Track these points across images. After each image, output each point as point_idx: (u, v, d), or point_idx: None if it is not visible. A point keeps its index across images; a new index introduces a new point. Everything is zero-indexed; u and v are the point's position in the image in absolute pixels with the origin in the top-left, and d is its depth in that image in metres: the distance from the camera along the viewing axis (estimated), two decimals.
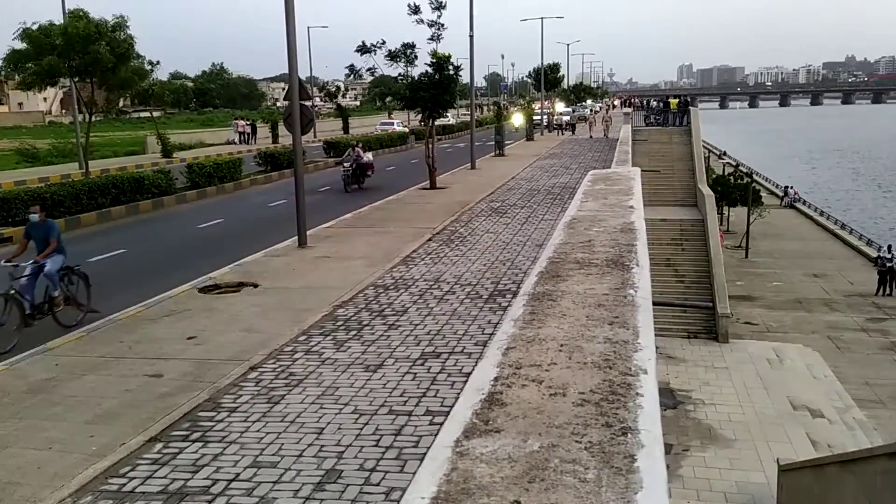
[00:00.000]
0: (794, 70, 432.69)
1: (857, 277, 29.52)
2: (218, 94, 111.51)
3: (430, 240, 16.27)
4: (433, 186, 25.26)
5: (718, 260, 24.21)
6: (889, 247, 32.14)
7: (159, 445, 6.89)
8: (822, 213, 44.64)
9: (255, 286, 12.82)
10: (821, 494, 10.08)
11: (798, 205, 47.76)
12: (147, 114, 60.39)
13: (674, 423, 16.71)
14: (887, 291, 27.36)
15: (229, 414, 7.50)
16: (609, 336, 2.75)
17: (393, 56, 24.20)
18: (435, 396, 7.66)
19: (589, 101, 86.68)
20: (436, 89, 24.27)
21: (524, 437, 1.95)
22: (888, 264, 29.08)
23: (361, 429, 7.01)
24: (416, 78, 24.64)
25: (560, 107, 72.49)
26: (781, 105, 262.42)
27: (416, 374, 8.30)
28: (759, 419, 16.80)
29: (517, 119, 52.43)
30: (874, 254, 32.20)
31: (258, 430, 7.08)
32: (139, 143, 44.31)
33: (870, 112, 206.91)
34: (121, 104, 59.20)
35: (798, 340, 22.59)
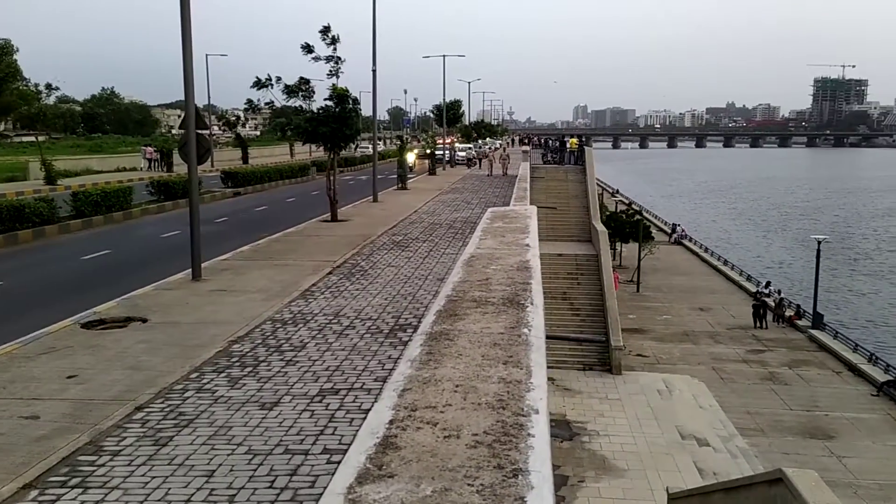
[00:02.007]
0: (680, 114, 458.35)
1: (738, 311, 31.24)
2: (108, 119, 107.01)
3: (330, 273, 16.09)
4: (334, 219, 25.06)
5: (612, 294, 25.10)
6: (767, 283, 34.33)
7: (34, 493, 6.43)
8: (706, 250, 47.14)
9: (144, 321, 12.27)
10: None
11: (685, 241, 50.26)
12: (32, 138, 57.20)
13: (570, 454, 17.03)
14: (761, 325, 29.07)
15: (112, 458, 7.09)
16: (503, 376, 2.80)
17: (290, 91, 24.02)
18: (333, 434, 7.52)
19: (488, 139, 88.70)
20: (336, 123, 24.21)
21: (417, 481, 1.95)
22: (763, 299, 31.01)
23: (255, 470, 6.78)
24: (316, 112, 24.52)
25: (460, 144, 73.91)
26: (669, 146, 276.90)
27: (313, 411, 8.13)
28: (650, 449, 17.36)
29: (410, 157, 52.81)
30: (753, 288, 34.23)
31: (143, 475, 6.72)
32: (20, 169, 41.84)
33: (748, 155, 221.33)
34: (1, 128, 55.79)
35: (685, 371, 23.61)
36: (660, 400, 21.01)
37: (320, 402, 8.39)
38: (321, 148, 27.25)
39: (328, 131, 24.30)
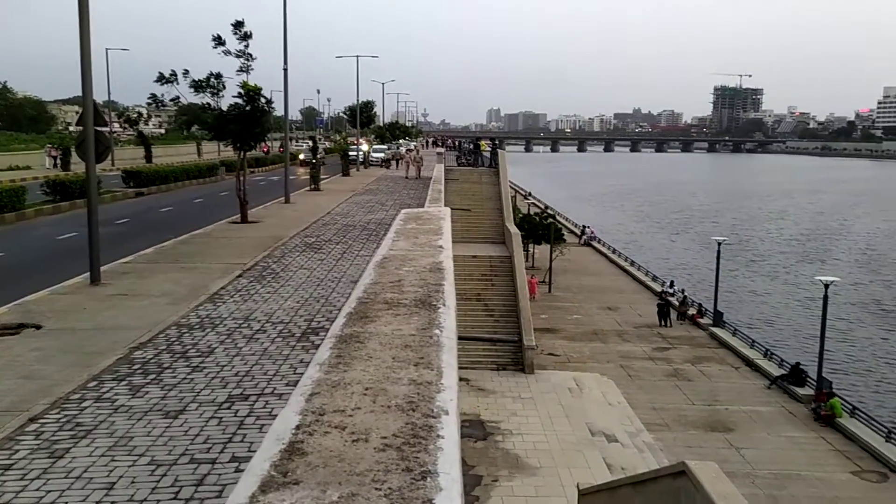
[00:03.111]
0: (589, 119, 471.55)
1: (644, 310, 32.35)
2: (0, 115, 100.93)
3: (240, 276, 15.68)
4: (244, 220, 24.46)
5: (524, 294, 25.51)
6: (671, 283, 35.70)
7: None
8: (614, 251, 48.62)
9: (38, 328, 11.62)
10: None
11: (594, 243, 51.69)
12: None
13: (484, 454, 17.19)
14: (666, 323, 30.21)
15: (3, 472, 6.67)
16: (414, 377, 2.77)
17: (198, 86, 23.30)
18: (242, 441, 7.32)
19: (402, 141, 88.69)
20: (246, 121, 23.65)
21: (324, 487, 1.90)
22: (667, 298, 32.24)
23: (158, 481, 6.51)
24: (226, 109, 23.88)
25: (375, 144, 73.53)
26: (579, 150, 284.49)
27: (221, 418, 7.89)
28: (561, 446, 17.74)
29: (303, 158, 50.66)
30: (659, 288, 35.53)
31: (37, 489, 6.35)
32: None
33: (653, 159, 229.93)
34: None
35: (595, 369, 24.26)
36: (571, 398, 21.50)
37: (229, 408, 8.16)
38: (230, 147, 26.56)
39: (238, 129, 23.71)
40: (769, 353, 25.72)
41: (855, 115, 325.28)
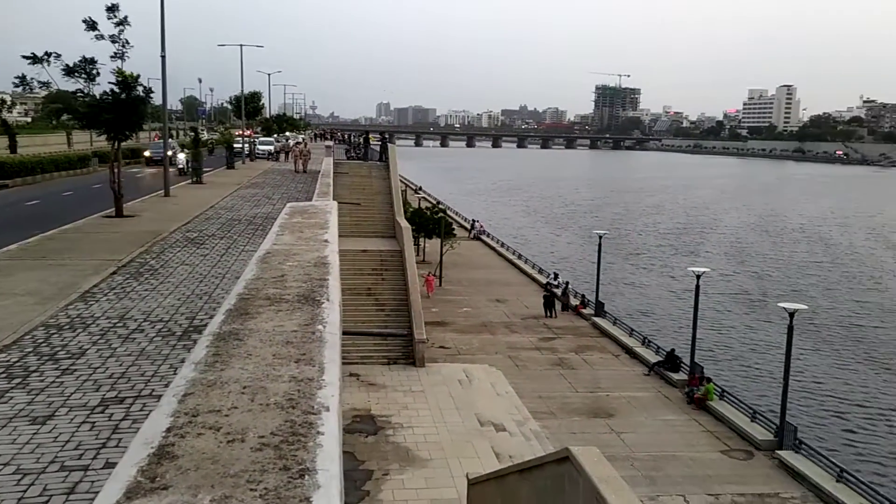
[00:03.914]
0: (478, 114, 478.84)
1: (531, 302, 33.21)
2: None
3: (114, 273, 14.89)
4: (119, 214, 23.25)
5: (415, 289, 25.61)
6: (556, 275, 36.84)
7: None
8: (502, 245, 49.62)
9: None
10: (503, 502, 11.02)
11: (483, 237, 52.56)
12: None
13: (375, 448, 17.16)
14: (551, 314, 31.16)
15: None
16: (295, 374, 2.72)
17: (70, 71, 21.95)
18: (117, 447, 6.97)
19: (288, 133, 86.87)
20: (121, 110, 22.48)
21: (195, 491, 1.83)
22: (552, 290, 33.26)
23: (25, 491, 6.11)
24: (99, 97, 22.60)
25: (262, 136, 71.62)
26: (468, 145, 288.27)
27: (94, 423, 7.48)
28: (451, 438, 17.96)
29: (180, 156, 43.89)
30: (544, 280, 36.56)
31: None
32: None
33: (539, 155, 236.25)
34: None
35: (484, 361, 24.69)
36: (460, 389, 21.80)
37: (102, 412, 7.75)
38: (104, 137, 25.18)
39: (112, 118, 22.50)
40: (647, 341, 27.01)
41: (723, 115, 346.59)
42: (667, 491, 15.99)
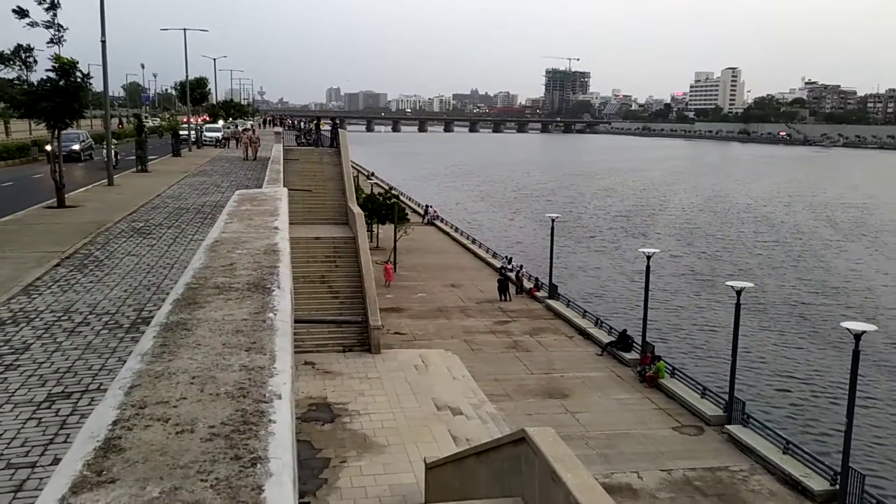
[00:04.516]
0: (429, 99, 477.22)
1: (485, 286, 33.39)
2: None
3: (58, 265, 14.47)
4: (62, 205, 22.58)
5: (370, 275, 25.51)
6: (510, 258, 37.08)
7: None
8: (456, 230, 49.72)
9: None
10: (461, 485, 11.13)
11: (437, 222, 52.56)
12: None
13: (332, 436, 17.11)
14: (506, 298, 31.41)
15: None
16: (245, 363, 2.68)
17: (5, 59, 21.17)
18: (65, 442, 6.79)
19: (239, 120, 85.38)
20: (60, 97, 21.77)
21: (143, 484, 1.79)
22: (506, 273, 33.50)
23: None
24: (37, 84, 21.86)
25: (210, 124, 70.20)
26: (421, 130, 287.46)
27: (40, 419, 7.28)
28: (408, 423, 18.01)
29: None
30: (498, 265, 36.78)
31: None
32: None
33: (491, 139, 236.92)
34: None
35: (440, 345, 24.77)
36: (417, 375, 21.85)
37: (49, 408, 7.55)
38: (44, 126, 24.37)
39: (51, 106, 21.78)
40: (600, 322, 27.43)
41: (671, 98, 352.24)
42: (621, 468, 16.32)
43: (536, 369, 23.01)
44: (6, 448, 6.67)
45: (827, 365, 26.42)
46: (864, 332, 14.88)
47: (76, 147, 40.97)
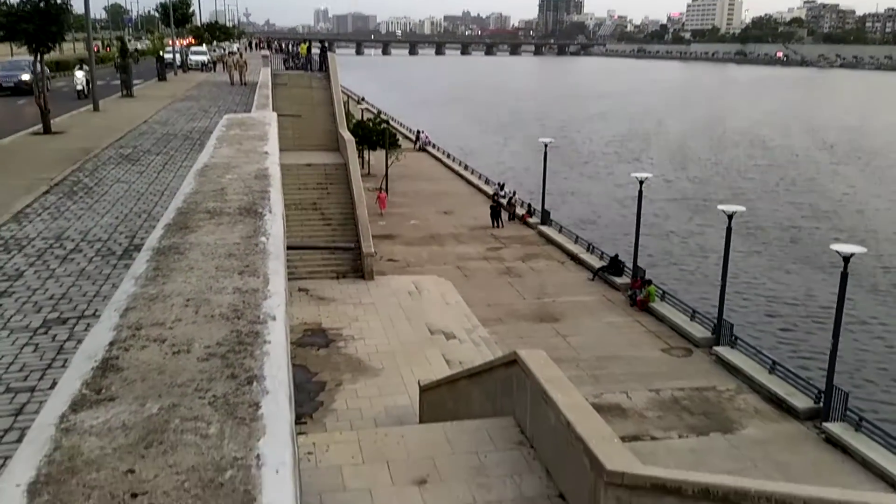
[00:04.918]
0: (420, 21, 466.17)
1: (478, 213, 33.39)
2: None
3: (47, 192, 14.35)
4: (48, 131, 22.23)
5: (362, 202, 25.43)
6: (502, 185, 36.94)
7: None
8: (449, 156, 49.33)
9: None
10: (454, 405, 11.40)
11: (429, 148, 52.09)
12: None
13: (327, 361, 17.39)
14: (498, 224, 31.47)
15: None
16: (239, 286, 2.69)
17: None
18: (63, 367, 6.88)
19: (226, 43, 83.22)
20: (42, 19, 21.14)
21: (142, 401, 1.82)
22: (499, 200, 33.45)
23: None
24: (17, 6, 21.19)
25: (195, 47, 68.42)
26: (411, 53, 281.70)
27: (37, 344, 7.36)
28: (402, 347, 18.30)
29: (78, 77, 34.49)
30: (491, 191, 36.69)
31: None
32: None
33: (483, 62, 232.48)
34: None
35: (433, 272, 24.95)
36: (410, 301, 22.07)
37: (45, 333, 7.62)
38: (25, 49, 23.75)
39: (32, 29, 21.17)
40: (591, 247, 27.59)
41: (667, 18, 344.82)
42: (610, 389, 16.72)
43: (528, 294, 23.26)
44: (5, 373, 6.76)
45: (816, 288, 26.79)
46: (852, 254, 15.03)
47: (26, 77, 32.98)
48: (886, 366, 20.65)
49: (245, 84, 39.56)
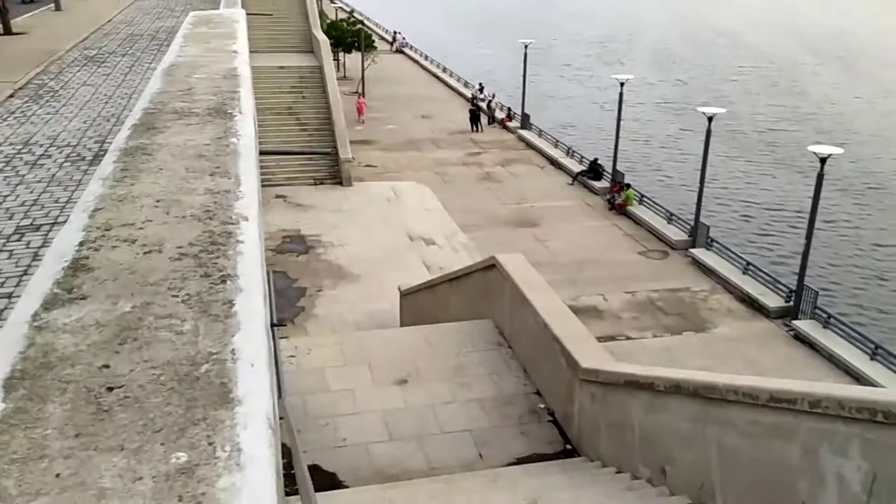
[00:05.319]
0: None
1: (457, 117, 32.90)
2: None
3: (11, 96, 13.89)
4: (7, 32, 21.30)
5: (338, 107, 24.91)
6: (481, 86, 36.22)
7: None
8: (426, 58, 48.11)
9: None
10: (434, 309, 11.57)
11: (406, 50, 50.71)
12: None
13: (305, 267, 17.47)
14: (478, 129, 31.09)
15: None
16: (210, 187, 2.65)
17: None
18: None
19: None
20: None
21: (114, 300, 1.81)
22: (478, 104, 32.92)
23: None
24: None
25: None
26: None
27: (12, 251, 7.29)
28: (382, 253, 18.38)
29: None
30: (470, 94, 36.04)
31: None
32: None
33: None
34: None
35: (412, 178, 24.78)
36: (389, 207, 22.02)
37: (19, 240, 7.53)
38: None
39: None
40: (571, 151, 27.45)
41: None
42: (587, 291, 17.00)
43: (508, 199, 23.26)
44: None
45: (793, 191, 27.00)
46: (829, 155, 15.11)
47: None
48: (855, 265, 21.15)
49: None
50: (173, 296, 1.84)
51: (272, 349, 4.28)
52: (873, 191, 27.18)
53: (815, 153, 15.37)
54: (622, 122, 24.36)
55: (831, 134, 34.07)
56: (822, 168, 15.10)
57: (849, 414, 3.63)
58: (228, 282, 1.91)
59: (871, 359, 14.04)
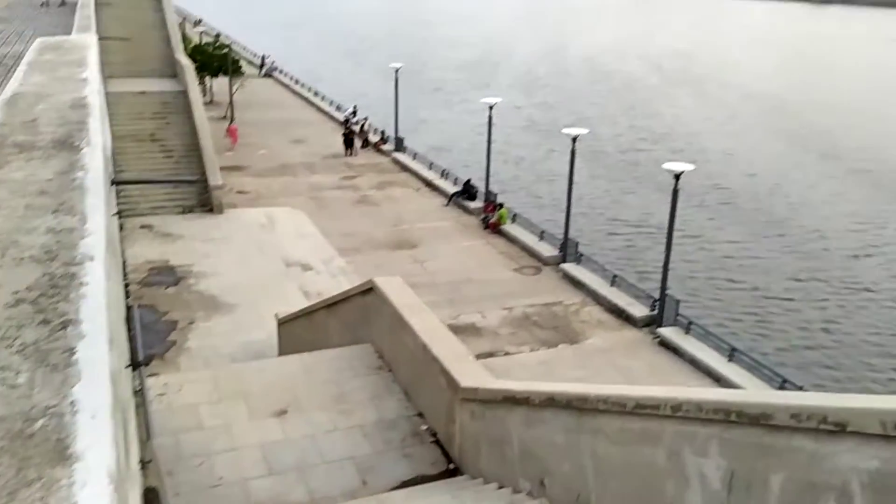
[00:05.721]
0: None
1: (330, 141, 32.73)
2: None
3: None
4: None
5: (205, 133, 24.19)
6: (355, 109, 36.15)
7: None
8: (297, 82, 47.62)
9: None
10: (313, 337, 11.37)
11: (276, 74, 50.00)
12: None
13: (176, 299, 16.75)
14: (352, 152, 31.05)
15: None
16: (52, 226, 2.50)
17: None
18: None
19: None
20: None
21: None
22: (352, 127, 32.89)
23: None
24: None
25: None
26: None
27: None
28: (258, 282, 17.90)
29: None
30: (342, 117, 35.95)
31: None
32: None
33: None
34: None
35: (286, 203, 24.38)
36: (263, 233, 21.54)
37: None
38: None
39: None
40: (445, 173, 27.89)
41: None
42: (465, 310, 17.28)
43: (385, 222, 23.32)
44: None
45: (653, 206, 28.58)
46: (682, 171, 16.15)
47: None
48: (712, 274, 22.64)
49: (65, 3, 35.89)
50: (7, 347, 1.71)
51: (136, 390, 4.06)
52: (724, 205, 29.24)
53: (669, 170, 16.39)
54: (493, 144, 25.05)
55: (684, 153, 36.41)
56: (676, 184, 16.12)
57: (707, 416, 3.85)
58: (70, 327, 1.80)
59: (729, 360, 15.07)
